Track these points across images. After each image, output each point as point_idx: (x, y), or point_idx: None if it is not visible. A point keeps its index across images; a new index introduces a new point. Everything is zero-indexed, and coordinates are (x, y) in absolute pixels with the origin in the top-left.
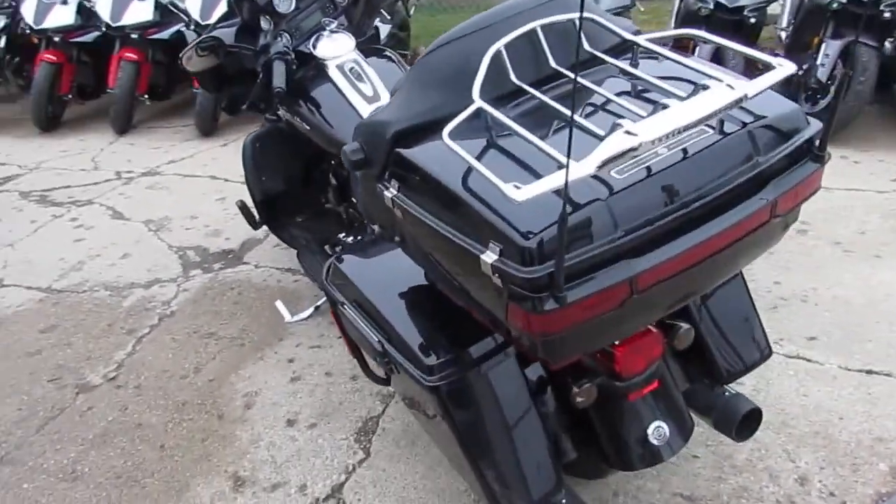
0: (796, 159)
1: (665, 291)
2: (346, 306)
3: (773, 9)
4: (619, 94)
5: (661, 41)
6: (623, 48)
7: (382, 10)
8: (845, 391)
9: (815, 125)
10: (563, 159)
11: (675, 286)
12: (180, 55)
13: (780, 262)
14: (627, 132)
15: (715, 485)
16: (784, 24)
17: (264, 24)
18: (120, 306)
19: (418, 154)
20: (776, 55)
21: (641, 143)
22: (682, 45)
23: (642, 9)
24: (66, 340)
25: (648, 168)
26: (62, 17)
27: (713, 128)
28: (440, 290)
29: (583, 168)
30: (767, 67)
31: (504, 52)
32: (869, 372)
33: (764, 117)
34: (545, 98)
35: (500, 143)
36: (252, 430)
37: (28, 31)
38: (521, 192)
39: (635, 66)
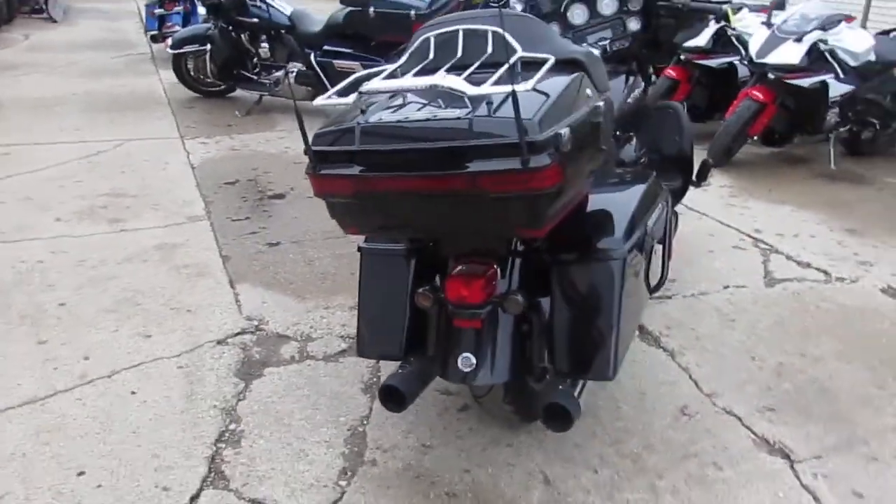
0: (505, 155)
1: (391, 203)
2: None
3: None
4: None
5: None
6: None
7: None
8: None
9: (541, 139)
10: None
11: (399, 202)
12: None
13: None
14: (365, 84)
15: None
16: None
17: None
18: None
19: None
20: None
21: (365, 91)
22: None
23: None
24: None
25: (398, 120)
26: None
27: (457, 109)
28: None
29: (340, 99)
30: None
31: (432, 41)
32: None
33: (489, 116)
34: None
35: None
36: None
37: None
38: (317, 101)
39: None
